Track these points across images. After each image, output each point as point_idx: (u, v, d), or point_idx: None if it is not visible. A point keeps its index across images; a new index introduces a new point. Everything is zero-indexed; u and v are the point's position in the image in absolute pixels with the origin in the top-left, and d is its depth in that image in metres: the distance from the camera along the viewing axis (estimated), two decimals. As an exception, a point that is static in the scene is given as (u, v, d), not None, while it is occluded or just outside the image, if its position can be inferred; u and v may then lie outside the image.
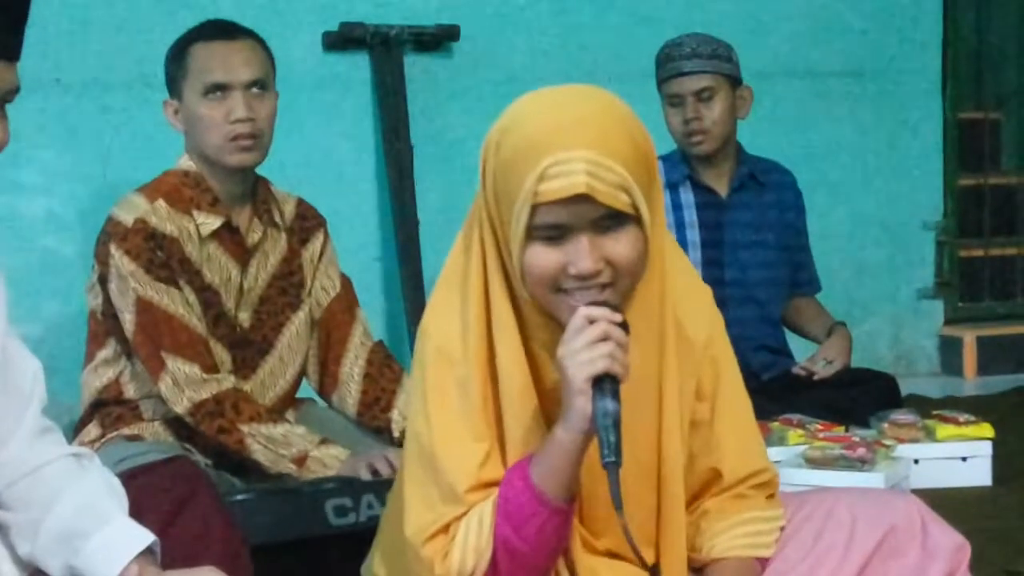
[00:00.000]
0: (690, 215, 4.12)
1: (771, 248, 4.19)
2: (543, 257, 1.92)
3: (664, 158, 4.17)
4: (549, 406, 2.02)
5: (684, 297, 2.09)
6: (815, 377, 4.08)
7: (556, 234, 1.91)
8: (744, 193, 4.17)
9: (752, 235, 4.16)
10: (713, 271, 4.10)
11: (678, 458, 2.06)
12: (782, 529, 2.12)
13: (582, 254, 1.90)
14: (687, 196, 4.13)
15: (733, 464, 2.12)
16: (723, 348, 2.15)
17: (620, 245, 1.92)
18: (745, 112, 4.13)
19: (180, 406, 2.98)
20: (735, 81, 4.09)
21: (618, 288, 1.94)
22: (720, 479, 2.12)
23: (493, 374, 2.00)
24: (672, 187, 4.13)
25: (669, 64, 4.06)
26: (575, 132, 1.89)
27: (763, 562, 2.10)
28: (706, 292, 2.17)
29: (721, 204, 4.14)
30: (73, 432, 3.13)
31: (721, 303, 4.21)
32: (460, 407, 1.98)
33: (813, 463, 3.52)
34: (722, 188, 4.16)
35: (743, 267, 4.14)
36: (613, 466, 1.87)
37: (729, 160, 4.16)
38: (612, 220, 1.91)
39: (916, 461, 3.74)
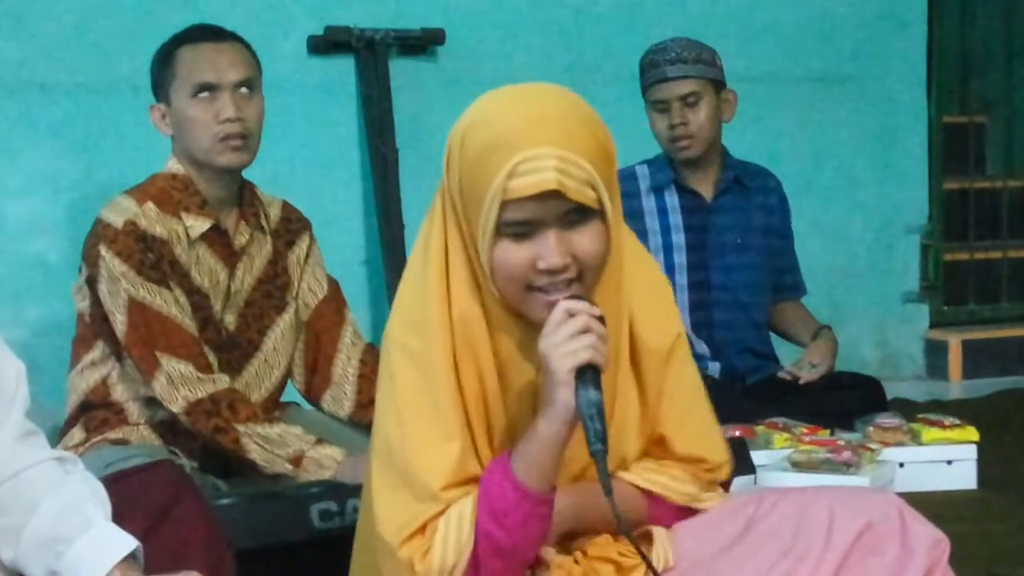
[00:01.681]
0: (675, 218, 4.13)
1: (756, 252, 4.19)
2: (512, 253, 1.94)
3: (649, 162, 4.18)
4: (517, 404, 2.03)
5: (652, 288, 2.14)
6: (800, 381, 4.09)
7: (524, 230, 1.94)
8: (729, 197, 4.17)
9: (737, 238, 4.16)
10: (698, 274, 4.10)
11: (624, 439, 2.10)
12: (694, 512, 2.16)
13: (550, 249, 1.93)
14: (672, 200, 4.14)
15: (680, 444, 2.14)
16: (684, 342, 2.16)
17: (586, 239, 1.95)
18: (730, 116, 4.14)
19: (176, 405, 2.98)
20: (719, 85, 4.09)
21: (584, 282, 1.98)
22: (666, 447, 2.14)
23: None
24: (657, 190, 4.14)
25: (653, 70, 4.07)
26: (543, 129, 1.92)
27: (665, 513, 2.13)
28: (667, 287, 2.20)
29: (706, 207, 4.15)
30: (58, 436, 3.12)
31: (706, 306, 4.25)
32: (429, 406, 1.99)
33: (798, 467, 3.52)
34: (707, 192, 4.16)
35: (728, 270, 4.14)
36: (600, 453, 1.90)
37: (714, 164, 4.16)
38: (578, 215, 1.94)
39: (901, 464, 3.74)
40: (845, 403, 4.04)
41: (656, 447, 2.15)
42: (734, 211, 4.17)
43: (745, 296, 4.18)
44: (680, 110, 4.03)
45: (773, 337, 4.34)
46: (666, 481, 2.14)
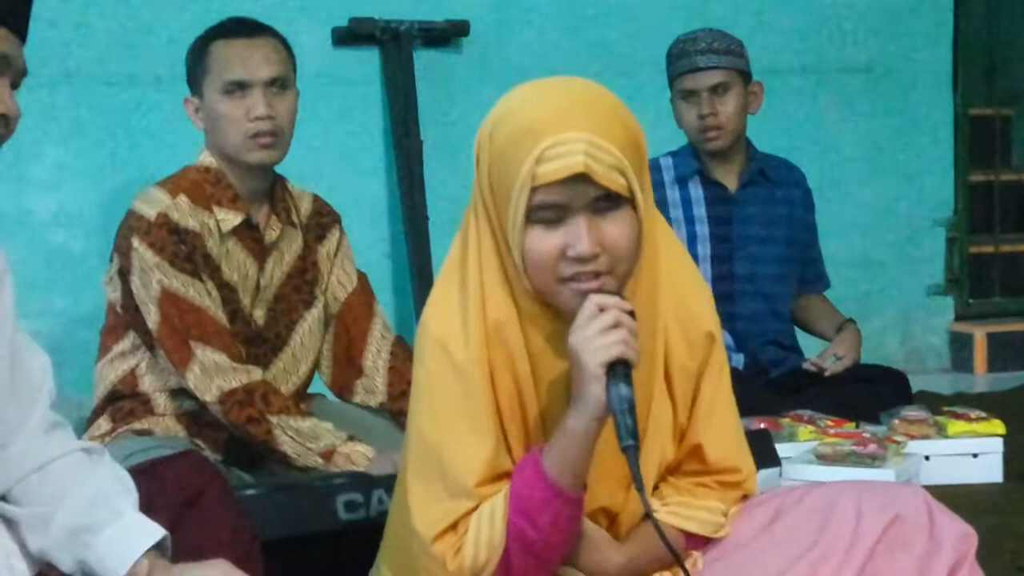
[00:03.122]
0: (699, 210, 4.12)
1: (780, 244, 4.19)
2: (542, 241, 1.93)
3: (674, 154, 4.18)
4: (549, 399, 2.03)
5: (688, 288, 2.12)
6: (825, 373, 4.08)
7: (554, 216, 1.92)
8: (753, 189, 4.17)
9: (761, 230, 4.16)
10: (722, 266, 4.10)
11: (661, 440, 2.09)
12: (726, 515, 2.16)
13: (580, 235, 1.92)
14: (696, 191, 4.14)
15: (716, 453, 2.14)
16: (721, 350, 2.17)
17: (616, 227, 1.94)
18: (756, 108, 4.14)
19: (209, 394, 2.98)
20: (747, 77, 4.09)
21: (616, 274, 1.96)
22: (702, 456, 2.13)
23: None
24: (681, 182, 4.14)
25: (683, 59, 4.06)
26: (570, 116, 1.91)
27: (695, 540, 2.13)
28: (705, 287, 2.19)
29: (730, 199, 4.15)
30: (84, 425, 3.13)
31: (730, 297, 4.25)
32: (464, 401, 1.99)
33: (824, 459, 3.51)
34: (731, 183, 4.16)
35: (752, 262, 4.14)
36: (632, 449, 1.89)
37: (740, 156, 4.16)
38: (608, 202, 1.93)
39: (927, 457, 3.73)
40: (870, 396, 4.03)
41: (691, 457, 2.14)
42: (758, 203, 4.17)
43: (769, 288, 4.18)
44: (710, 100, 4.02)
45: (797, 331, 4.34)
46: (703, 516, 2.13)
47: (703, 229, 4.12)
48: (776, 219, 4.19)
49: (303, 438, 2.97)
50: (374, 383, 3.25)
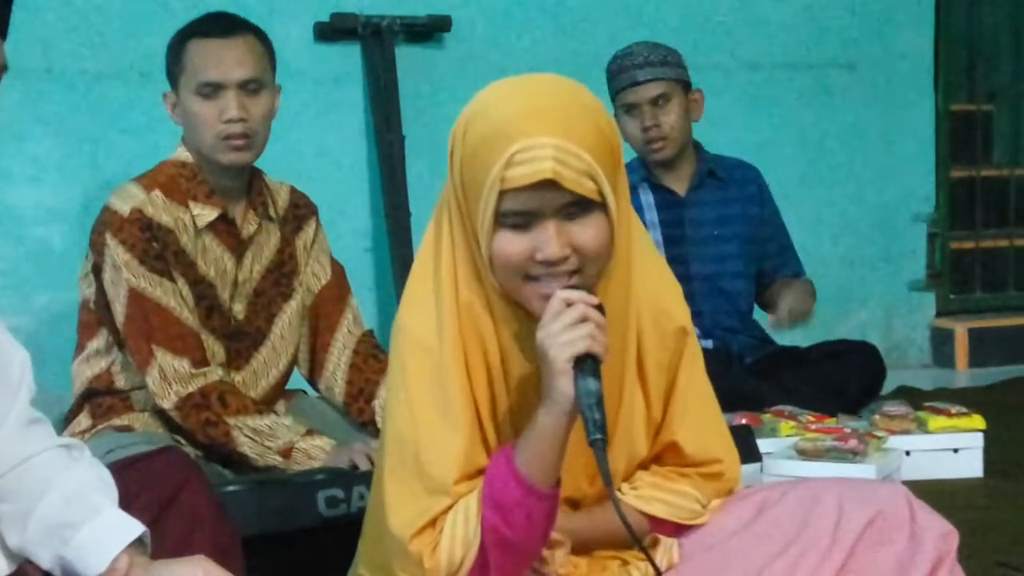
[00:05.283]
0: (651, 215, 4.17)
1: (736, 241, 4.25)
2: (510, 244, 1.93)
3: (625, 165, 4.20)
4: (519, 396, 2.02)
5: (661, 286, 2.12)
6: (785, 325, 4.09)
7: (523, 221, 1.92)
8: (704, 191, 4.23)
9: (713, 230, 4.21)
10: (678, 268, 4.07)
11: (632, 436, 2.09)
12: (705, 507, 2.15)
13: (549, 240, 1.91)
14: (647, 197, 4.18)
15: (693, 446, 2.13)
16: (695, 342, 2.16)
17: (586, 232, 1.93)
18: (698, 115, 4.19)
19: (167, 401, 2.98)
20: (687, 86, 4.13)
21: (585, 275, 1.96)
22: (679, 451, 2.13)
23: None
24: (631, 189, 4.15)
25: (622, 74, 4.10)
26: (541, 119, 1.90)
27: (667, 526, 2.12)
28: (676, 284, 2.18)
29: (680, 202, 4.21)
30: (63, 423, 3.12)
31: (691, 297, 4.26)
32: (440, 398, 1.98)
33: (804, 454, 3.52)
34: (681, 188, 4.22)
35: (708, 261, 4.20)
36: (600, 443, 1.89)
37: (688, 162, 4.23)
38: (578, 207, 1.92)
39: (908, 453, 3.75)
40: (845, 371, 4.08)
41: (668, 452, 2.14)
42: (710, 204, 4.23)
43: (727, 285, 4.24)
44: (651, 112, 4.07)
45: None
46: (672, 499, 2.12)
47: (656, 234, 4.17)
48: (730, 218, 4.24)
49: (261, 437, 2.96)
50: (335, 379, 3.24)
